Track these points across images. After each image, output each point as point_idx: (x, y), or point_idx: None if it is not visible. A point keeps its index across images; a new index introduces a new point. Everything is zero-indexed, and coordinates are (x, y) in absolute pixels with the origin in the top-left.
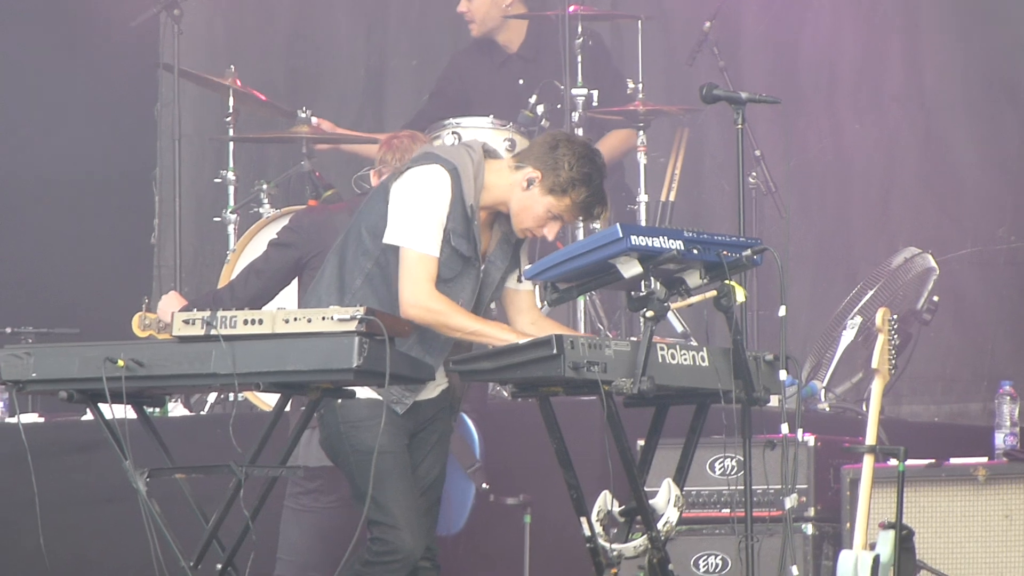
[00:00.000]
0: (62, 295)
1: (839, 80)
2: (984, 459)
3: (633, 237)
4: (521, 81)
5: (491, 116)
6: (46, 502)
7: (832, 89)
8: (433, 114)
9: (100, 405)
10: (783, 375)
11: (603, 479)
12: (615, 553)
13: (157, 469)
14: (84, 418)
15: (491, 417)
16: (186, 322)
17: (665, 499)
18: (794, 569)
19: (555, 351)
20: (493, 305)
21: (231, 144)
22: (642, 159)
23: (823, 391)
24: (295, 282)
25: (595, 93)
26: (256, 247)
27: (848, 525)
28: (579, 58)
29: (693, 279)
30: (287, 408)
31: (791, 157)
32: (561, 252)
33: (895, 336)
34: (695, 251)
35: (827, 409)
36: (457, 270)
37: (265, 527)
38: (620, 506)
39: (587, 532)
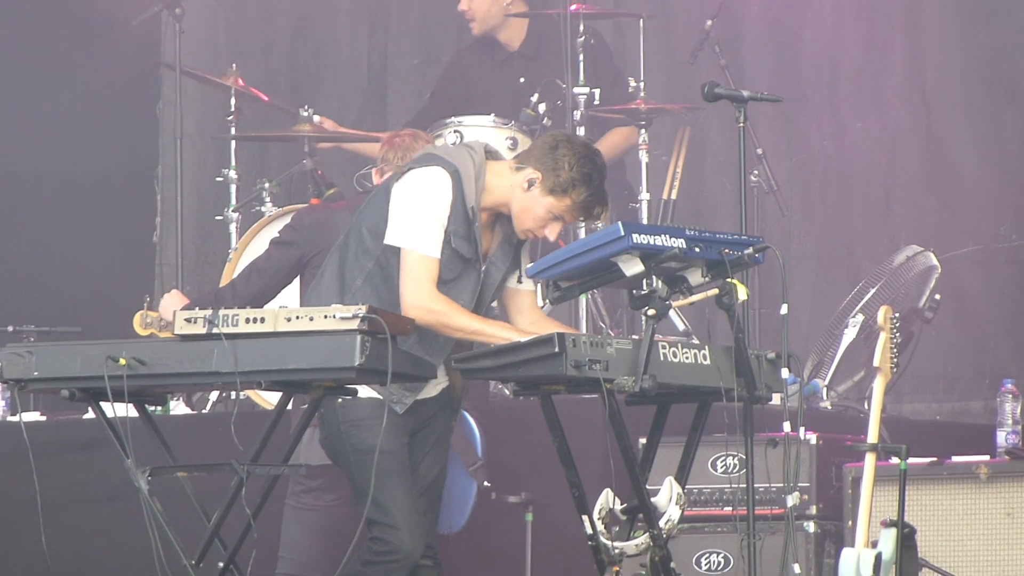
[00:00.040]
0: (64, 294)
1: (841, 78)
2: (986, 457)
3: (635, 235)
4: (522, 79)
5: (492, 115)
6: (48, 501)
7: (833, 88)
8: (435, 113)
9: (102, 404)
10: (785, 373)
11: (605, 477)
12: (617, 551)
13: (159, 468)
14: (86, 417)
15: (493, 415)
16: (188, 321)
17: (667, 497)
18: (796, 567)
19: (557, 349)
20: (495, 304)
21: (233, 143)
22: (644, 157)
23: (825, 389)
24: (297, 280)
25: (597, 92)
26: (258, 246)
27: (850, 523)
28: (581, 56)
29: (695, 277)
30: (289, 406)
31: (793, 155)
32: (563, 250)
33: (897, 334)
34: (697, 249)
35: (829, 407)
36: (458, 271)
37: (267, 526)
38: (622, 504)
39: (589, 530)
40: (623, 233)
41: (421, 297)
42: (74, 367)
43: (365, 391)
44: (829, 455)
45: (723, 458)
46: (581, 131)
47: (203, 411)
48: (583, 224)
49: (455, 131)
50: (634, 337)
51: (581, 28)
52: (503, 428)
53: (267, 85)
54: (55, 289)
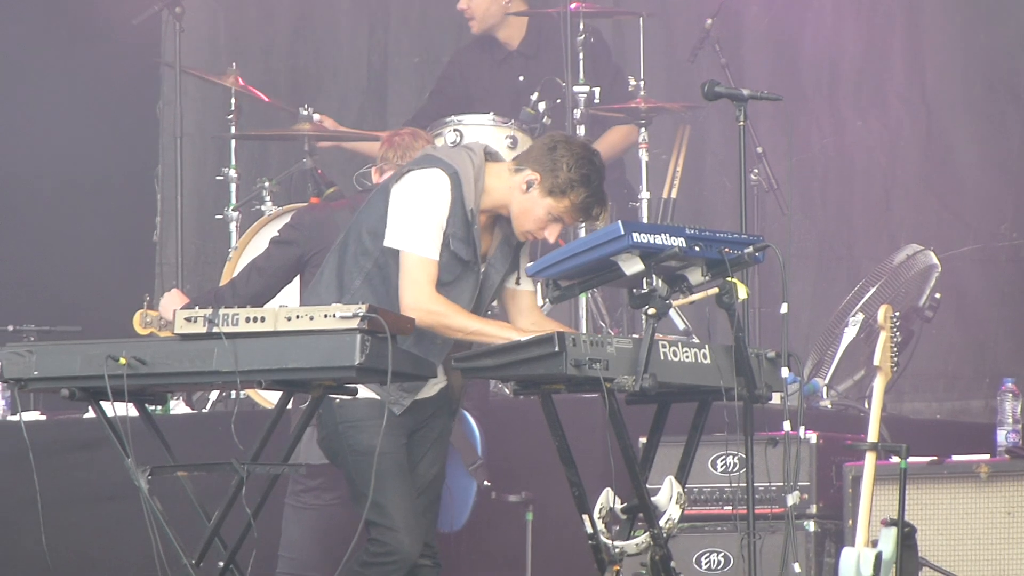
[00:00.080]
0: (64, 293)
1: (841, 77)
2: (986, 456)
3: (635, 234)
4: (521, 78)
5: (492, 114)
6: (48, 500)
7: (834, 86)
8: (434, 112)
9: (102, 403)
10: (785, 372)
11: (605, 476)
12: (617, 550)
13: (159, 467)
14: (86, 416)
15: (493, 414)
16: (188, 320)
17: (667, 496)
18: (796, 566)
19: (557, 348)
20: (495, 303)
21: (233, 142)
22: (644, 156)
23: (825, 388)
24: (297, 279)
25: (596, 90)
26: (258, 245)
27: (850, 522)
28: (580, 55)
29: (695, 276)
30: (289, 406)
31: (793, 154)
32: (563, 249)
33: (897, 333)
34: (697, 248)
35: (829, 406)
36: (456, 273)
37: (267, 525)
38: (622, 503)
39: (589, 529)
40: (623, 232)
41: (420, 299)
42: (74, 366)
43: (363, 392)
44: (829, 454)
45: (723, 457)
46: (581, 130)
47: (203, 410)
48: (583, 224)
49: (455, 130)
50: (634, 336)
51: (581, 26)
52: (503, 427)
53: (267, 85)
54: (55, 288)
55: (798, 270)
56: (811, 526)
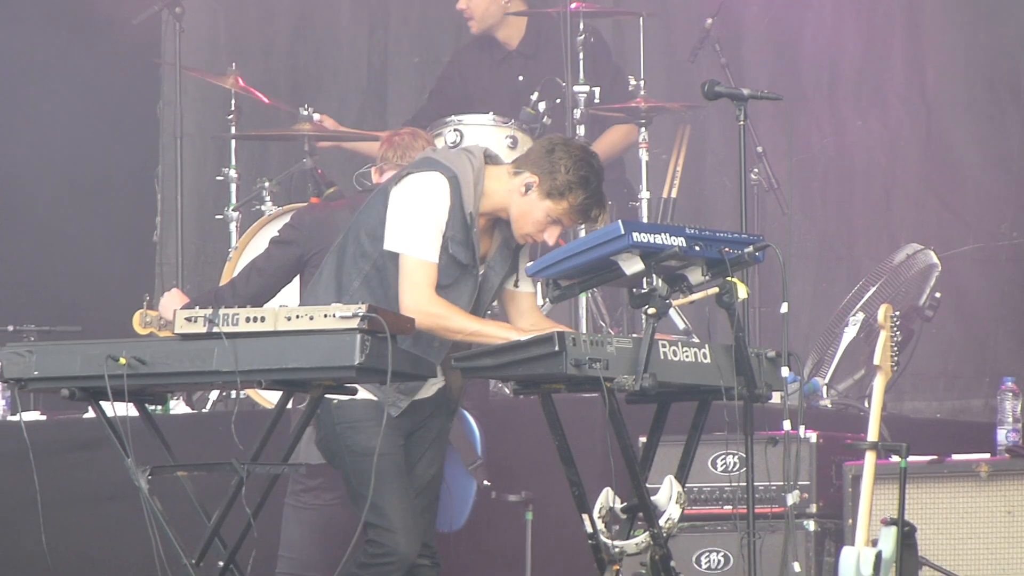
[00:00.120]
0: (64, 293)
1: (841, 77)
2: (986, 455)
3: (635, 234)
4: (521, 78)
5: (491, 113)
6: (48, 500)
7: (834, 86)
8: (433, 112)
9: (102, 403)
10: (785, 372)
11: (605, 476)
12: (617, 550)
13: (159, 467)
14: (86, 416)
15: (493, 414)
16: (188, 320)
17: (667, 496)
18: (796, 566)
19: (557, 348)
20: (495, 303)
21: (233, 142)
22: (644, 156)
23: (825, 388)
24: (297, 279)
25: (597, 90)
26: (258, 245)
27: (850, 522)
28: (580, 55)
29: (695, 276)
30: (289, 406)
31: (793, 154)
32: (563, 249)
33: (897, 332)
34: (697, 248)
35: (829, 405)
36: (455, 276)
37: (267, 525)
38: (622, 503)
39: (589, 529)
40: (623, 231)
41: (420, 301)
42: (74, 366)
43: (361, 393)
44: (829, 453)
45: (723, 456)
46: (581, 130)
47: (203, 410)
48: (582, 226)
49: (455, 130)
50: (634, 336)
51: (581, 26)
52: (503, 427)
53: (267, 85)
54: (55, 288)
55: (798, 270)
56: (811, 525)
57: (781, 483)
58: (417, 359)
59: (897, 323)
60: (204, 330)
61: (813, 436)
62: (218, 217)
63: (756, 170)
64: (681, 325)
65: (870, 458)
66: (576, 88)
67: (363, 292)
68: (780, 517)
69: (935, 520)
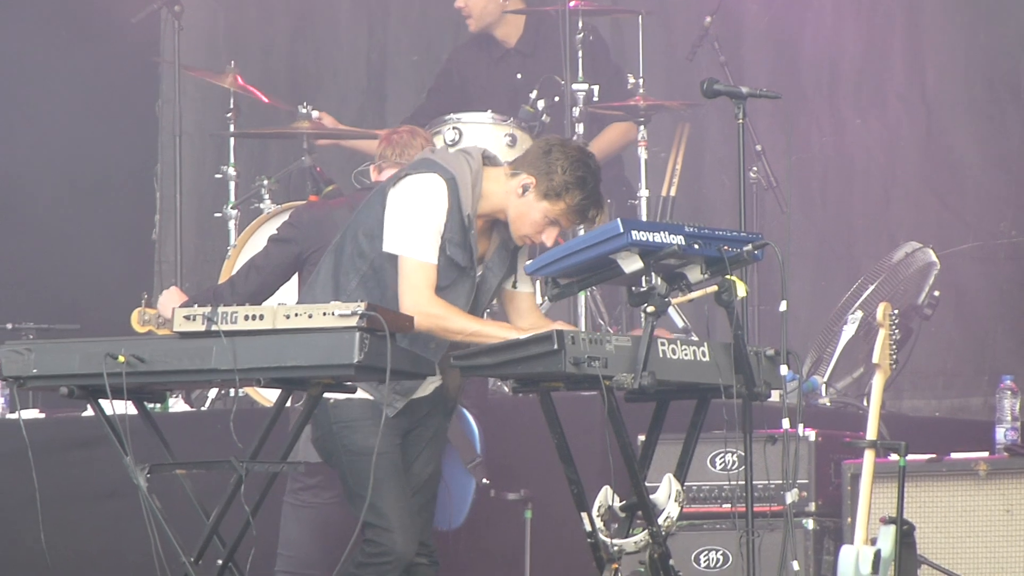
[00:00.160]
0: (63, 291)
1: (840, 75)
2: (985, 454)
3: (634, 232)
4: (519, 76)
5: (490, 111)
6: (47, 498)
7: (833, 84)
8: (432, 110)
9: (101, 401)
10: (784, 370)
11: (604, 474)
12: (616, 548)
13: (158, 465)
14: (85, 414)
15: (492, 412)
16: (187, 318)
17: (666, 494)
18: (795, 564)
19: (556, 346)
20: (495, 302)
21: (232, 140)
22: (643, 154)
23: (824, 386)
24: (295, 277)
25: (596, 88)
26: (257, 243)
27: (849, 520)
28: (579, 53)
29: (694, 274)
30: (288, 404)
31: (792, 152)
32: (562, 247)
33: (896, 331)
34: (696, 246)
35: (828, 404)
36: (452, 278)
37: (266, 523)
38: (621, 501)
39: (588, 527)
40: (622, 230)
41: (420, 302)
42: (73, 364)
43: (357, 392)
44: (828, 452)
45: (722, 455)
46: (580, 128)
47: (202, 408)
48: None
49: (454, 128)
50: (633, 334)
51: (580, 24)
52: (502, 425)
53: (266, 83)
54: (54, 287)
55: (797, 268)
56: (810, 524)
57: (780, 481)
58: (416, 357)
59: (896, 321)
60: (203, 328)
61: (812, 434)
62: (217, 215)
63: (755, 168)
64: (680, 323)
65: (869, 456)
66: (575, 86)
67: (360, 292)
68: (779, 515)
69: (934, 519)
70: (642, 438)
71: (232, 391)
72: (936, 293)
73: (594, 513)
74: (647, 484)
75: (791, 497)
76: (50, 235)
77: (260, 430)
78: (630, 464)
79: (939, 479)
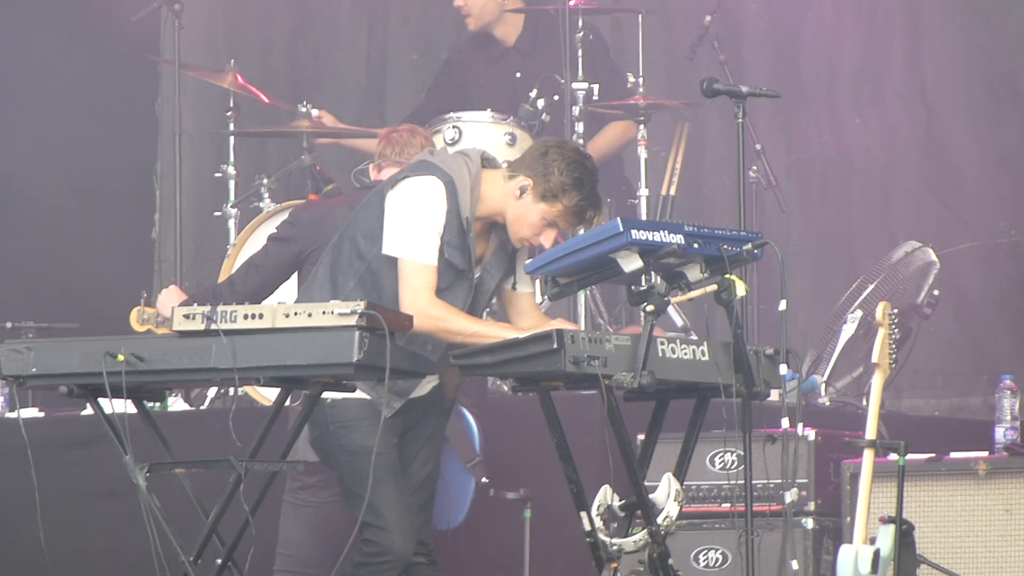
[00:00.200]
0: (63, 290)
1: (840, 75)
2: (984, 453)
3: (634, 231)
4: (518, 75)
5: (489, 110)
6: (46, 497)
7: (833, 84)
8: (432, 109)
9: (100, 400)
10: (783, 369)
11: (603, 473)
12: (615, 547)
13: (157, 464)
14: (84, 413)
15: (491, 411)
16: (186, 317)
17: (665, 493)
18: (794, 563)
19: (555, 345)
20: (494, 301)
21: (231, 138)
22: (643, 153)
23: (823, 385)
24: (295, 276)
25: (595, 87)
26: (256, 242)
27: (848, 519)
28: (579, 52)
29: (694, 273)
30: (287, 403)
31: (792, 151)
32: (562, 246)
33: (895, 330)
34: (696, 245)
35: (827, 403)
36: (450, 280)
37: (265, 522)
38: (620, 500)
39: (587, 527)
40: (622, 229)
41: (420, 304)
42: (72, 363)
43: (355, 392)
44: (827, 451)
45: (721, 454)
46: (579, 127)
47: (201, 407)
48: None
49: (453, 127)
50: (631, 333)
51: (580, 23)
52: (501, 424)
53: (266, 82)
54: (54, 285)
55: (797, 267)
56: (809, 523)
57: (779, 481)
58: (415, 356)
59: (895, 321)
60: (202, 327)
61: (811, 434)
62: (216, 214)
63: (755, 168)
64: (680, 322)
65: (868, 456)
66: (575, 85)
67: (358, 293)
68: (778, 515)
69: (933, 518)
70: (641, 437)
71: (231, 390)
72: (935, 292)
73: (593, 512)
74: (646, 483)
75: (790, 496)
76: (49, 234)
77: (259, 429)
78: (629, 463)
79: (938, 478)
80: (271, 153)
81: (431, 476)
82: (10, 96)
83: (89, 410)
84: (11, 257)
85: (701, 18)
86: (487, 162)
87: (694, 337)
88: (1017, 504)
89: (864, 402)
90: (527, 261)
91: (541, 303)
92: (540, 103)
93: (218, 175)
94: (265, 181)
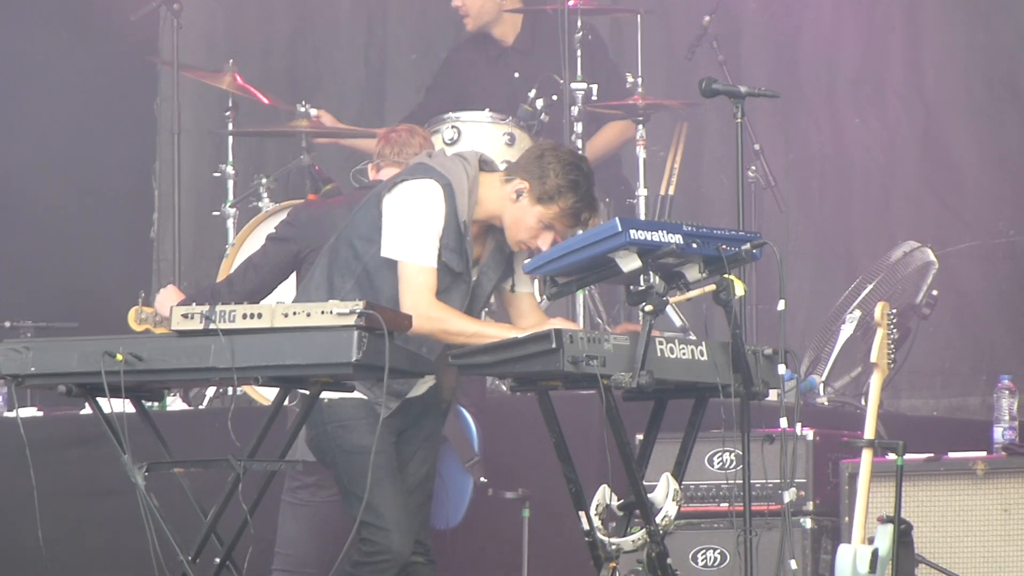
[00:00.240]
0: (61, 289)
1: (839, 74)
2: (983, 453)
3: (632, 231)
4: (517, 75)
5: (488, 110)
6: (45, 496)
7: (832, 84)
8: (430, 109)
9: (99, 399)
10: (782, 369)
11: (602, 473)
12: (614, 547)
13: (155, 463)
14: (83, 412)
15: (490, 411)
16: (185, 316)
17: (664, 493)
18: (792, 563)
19: (554, 345)
20: (493, 301)
21: (230, 138)
22: (641, 153)
23: (822, 385)
24: (293, 276)
25: (594, 87)
26: (255, 241)
27: (847, 519)
28: (578, 52)
29: (692, 273)
30: (286, 402)
31: (791, 151)
32: (561, 246)
33: (894, 330)
34: (694, 245)
35: (826, 403)
36: (447, 283)
37: (263, 521)
38: (619, 500)
39: (586, 526)
40: (620, 229)
41: (420, 305)
42: (71, 363)
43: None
44: (826, 451)
45: (720, 454)
46: (578, 127)
47: (200, 407)
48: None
49: (452, 126)
50: (630, 332)
51: (579, 23)
52: (500, 424)
53: (265, 82)
54: (52, 285)
55: (795, 267)
56: (808, 523)
57: (778, 480)
58: (414, 356)
59: (894, 320)
60: (201, 327)
61: (810, 434)
62: (215, 214)
63: (753, 168)
64: (678, 322)
65: (867, 456)
66: (573, 85)
67: (355, 294)
68: (777, 515)
69: (931, 518)
70: (640, 437)
71: (230, 389)
72: (934, 292)
73: (592, 512)
74: (645, 483)
75: (789, 496)
76: (48, 233)
77: (258, 428)
78: (628, 463)
79: (937, 478)
80: (270, 153)
81: (428, 476)
82: (10, 96)
83: (88, 409)
84: (10, 256)
85: (700, 18)
86: (485, 165)
87: (693, 337)
88: (1015, 504)
89: (863, 402)
90: (525, 261)
91: (540, 303)
92: (539, 103)
93: (217, 175)
94: (264, 181)
